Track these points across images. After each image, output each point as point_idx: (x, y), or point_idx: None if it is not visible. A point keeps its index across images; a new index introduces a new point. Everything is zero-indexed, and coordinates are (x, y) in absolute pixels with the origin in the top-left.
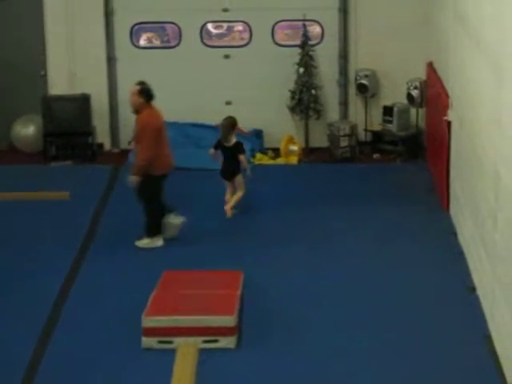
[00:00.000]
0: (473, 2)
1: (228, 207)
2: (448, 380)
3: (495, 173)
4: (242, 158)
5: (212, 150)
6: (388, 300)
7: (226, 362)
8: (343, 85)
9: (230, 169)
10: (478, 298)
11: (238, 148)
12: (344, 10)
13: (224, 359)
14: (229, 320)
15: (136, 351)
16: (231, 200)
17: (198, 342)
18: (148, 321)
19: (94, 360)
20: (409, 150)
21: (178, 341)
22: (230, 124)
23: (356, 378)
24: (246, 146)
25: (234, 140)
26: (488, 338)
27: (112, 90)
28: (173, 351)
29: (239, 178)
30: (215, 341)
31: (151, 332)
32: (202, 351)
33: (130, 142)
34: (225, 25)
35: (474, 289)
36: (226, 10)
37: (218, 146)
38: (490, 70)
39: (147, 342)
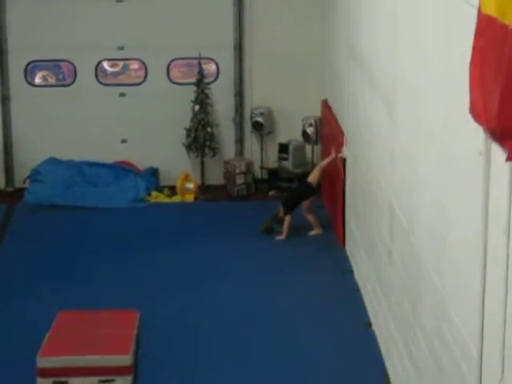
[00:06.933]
0: (366, 38)
1: None
2: None
3: (390, 209)
4: None
5: None
6: (287, 337)
7: None
8: (239, 122)
9: None
10: (375, 334)
11: None
12: (239, 48)
13: None
14: (124, 359)
15: None
16: None
17: (93, 382)
18: (43, 361)
19: None
20: None
21: (74, 381)
22: None
23: None
24: (141, 185)
25: None
26: (385, 374)
27: (6, 130)
28: None
29: None
30: (111, 380)
31: (46, 373)
32: None
33: (24, 181)
34: (120, 63)
35: (370, 325)
36: (121, 48)
37: None
38: (383, 107)
39: (43, 382)
